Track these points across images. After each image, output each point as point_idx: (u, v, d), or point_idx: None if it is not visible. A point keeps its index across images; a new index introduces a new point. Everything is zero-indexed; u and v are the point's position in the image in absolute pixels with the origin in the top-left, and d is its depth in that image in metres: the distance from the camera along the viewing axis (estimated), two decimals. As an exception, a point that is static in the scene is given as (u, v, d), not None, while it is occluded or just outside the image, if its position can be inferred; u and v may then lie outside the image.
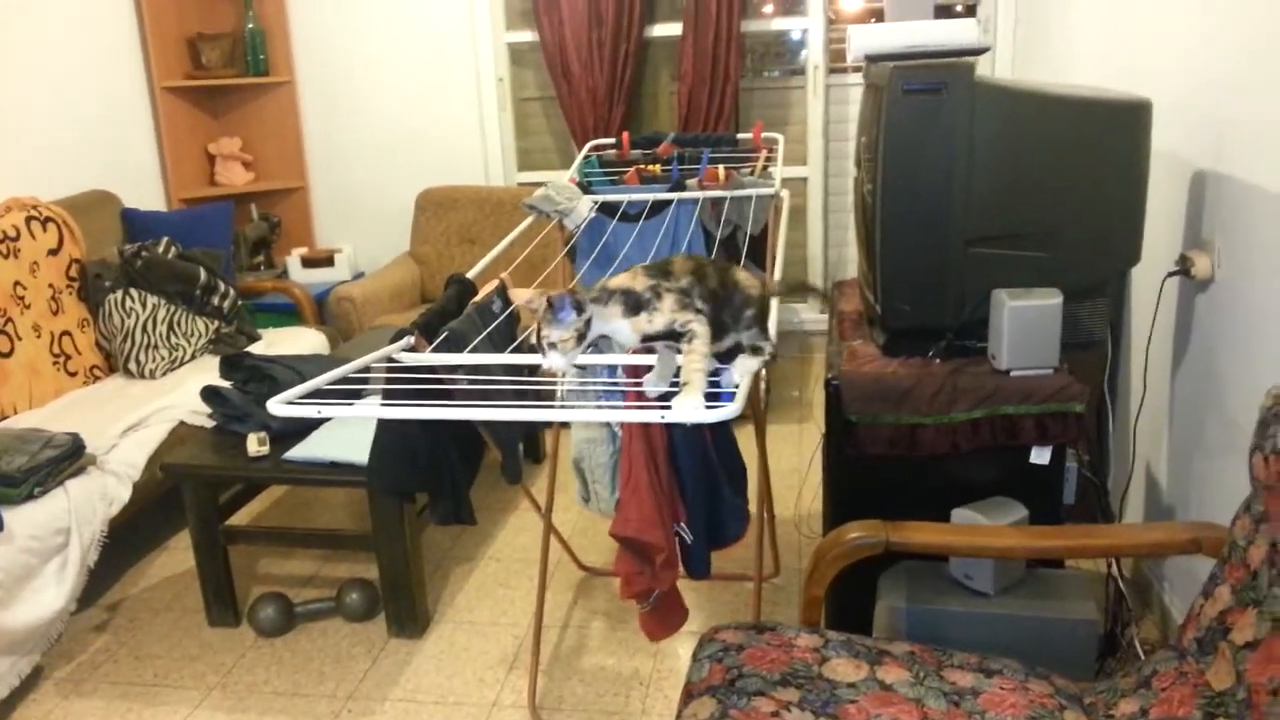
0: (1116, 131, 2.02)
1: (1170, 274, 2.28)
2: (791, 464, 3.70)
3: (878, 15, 4.64)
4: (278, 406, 1.37)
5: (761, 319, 1.46)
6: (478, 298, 2.00)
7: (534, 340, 1.33)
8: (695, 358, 1.34)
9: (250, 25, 4.70)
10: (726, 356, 1.49)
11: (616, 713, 2.38)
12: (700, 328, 1.35)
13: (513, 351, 1.92)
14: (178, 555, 3.26)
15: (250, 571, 3.14)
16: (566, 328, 1.31)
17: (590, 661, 2.59)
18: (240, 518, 2.94)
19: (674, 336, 1.36)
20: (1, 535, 2.42)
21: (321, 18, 4.78)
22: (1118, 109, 2.02)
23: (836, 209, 4.76)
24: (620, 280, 1.36)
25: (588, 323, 1.32)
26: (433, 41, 4.74)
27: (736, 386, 1.42)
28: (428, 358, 1.69)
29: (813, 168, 4.65)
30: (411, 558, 2.68)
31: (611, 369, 1.40)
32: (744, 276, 1.44)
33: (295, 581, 3.07)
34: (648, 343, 1.38)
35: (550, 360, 1.32)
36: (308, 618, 2.84)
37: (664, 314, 1.34)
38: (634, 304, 1.35)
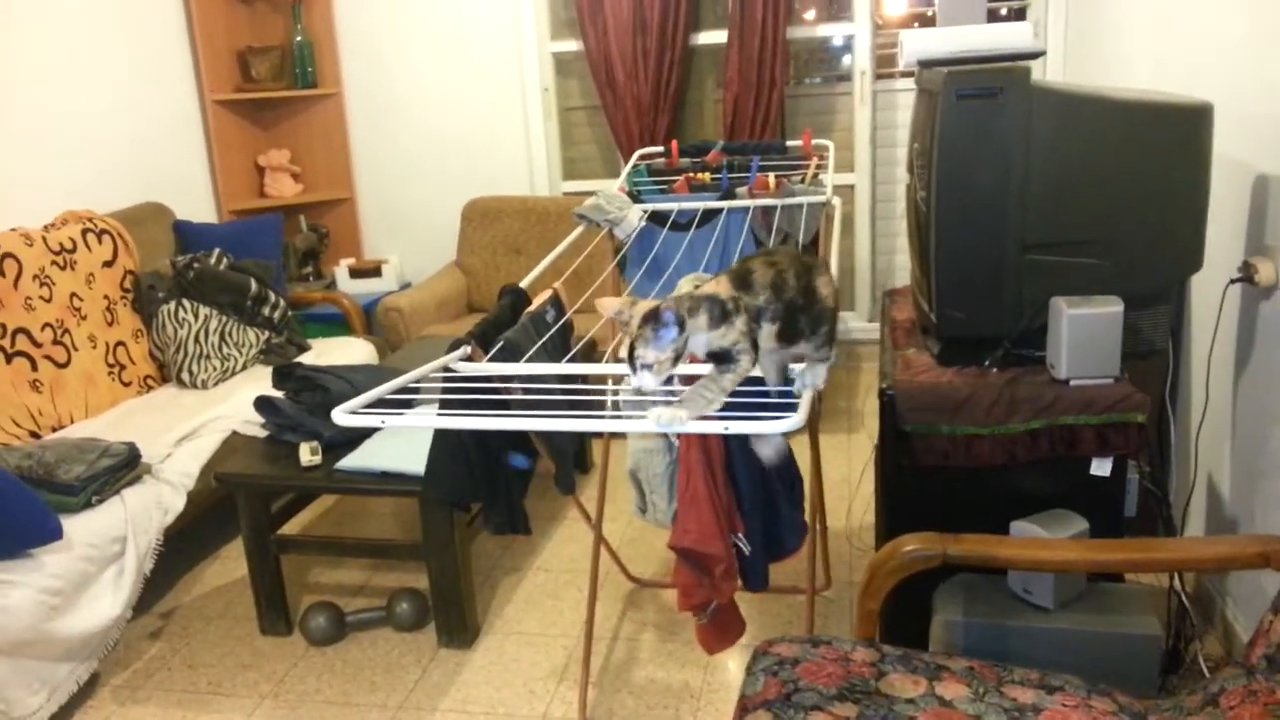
0: (1177, 135, 1.98)
1: (1233, 281, 2.23)
2: (841, 474, 3.67)
3: (921, 19, 4.61)
4: (341, 416, 1.38)
5: (829, 332, 1.43)
6: (531, 308, 2.00)
7: (623, 354, 1.23)
8: (722, 381, 1.28)
9: (299, 38, 4.75)
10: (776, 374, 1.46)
11: (667, 725, 2.37)
12: (746, 361, 1.29)
13: (567, 361, 1.92)
14: (229, 564, 3.29)
15: (301, 580, 3.16)
16: (665, 347, 1.21)
17: (640, 674, 2.57)
18: (290, 527, 2.96)
19: (726, 359, 1.30)
20: (60, 543, 2.46)
21: (369, 30, 4.83)
22: (1179, 112, 1.98)
23: (884, 216, 4.72)
24: (709, 287, 1.30)
25: (687, 340, 1.23)
26: (478, 52, 4.77)
27: (798, 397, 1.40)
28: (484, 367, 1.69)
29: (860, 175, 4.62)
30: (461, 568, 2.68)
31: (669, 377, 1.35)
32: (824, 284, 1.39)
33: (345, 591, 3.09)
34: (709, 359, 1.32)
35: (641, 380, 1.22)
36: (358, 627, 2.86)
37: (734, 333, 1.28)
38: (719, 315, 1.27)
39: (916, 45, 2.20)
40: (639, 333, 1.22)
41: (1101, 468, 2.00)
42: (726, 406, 1.30)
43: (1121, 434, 1.96)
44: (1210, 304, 2.47)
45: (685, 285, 1.63)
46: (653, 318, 1.21)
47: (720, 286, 1.31)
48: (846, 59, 4.67)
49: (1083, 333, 1.94)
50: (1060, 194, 1.98)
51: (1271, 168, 2.14)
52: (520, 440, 2.02)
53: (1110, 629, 1.93)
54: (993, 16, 4.15)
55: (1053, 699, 1.60)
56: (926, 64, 2.19)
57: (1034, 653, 1.93)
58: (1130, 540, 1.90)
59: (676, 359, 1.22)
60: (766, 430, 1.29)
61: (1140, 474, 2.13)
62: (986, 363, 2.10)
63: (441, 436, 2.03)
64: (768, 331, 1.35)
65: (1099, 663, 1.91)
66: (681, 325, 1.22)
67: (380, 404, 1.47)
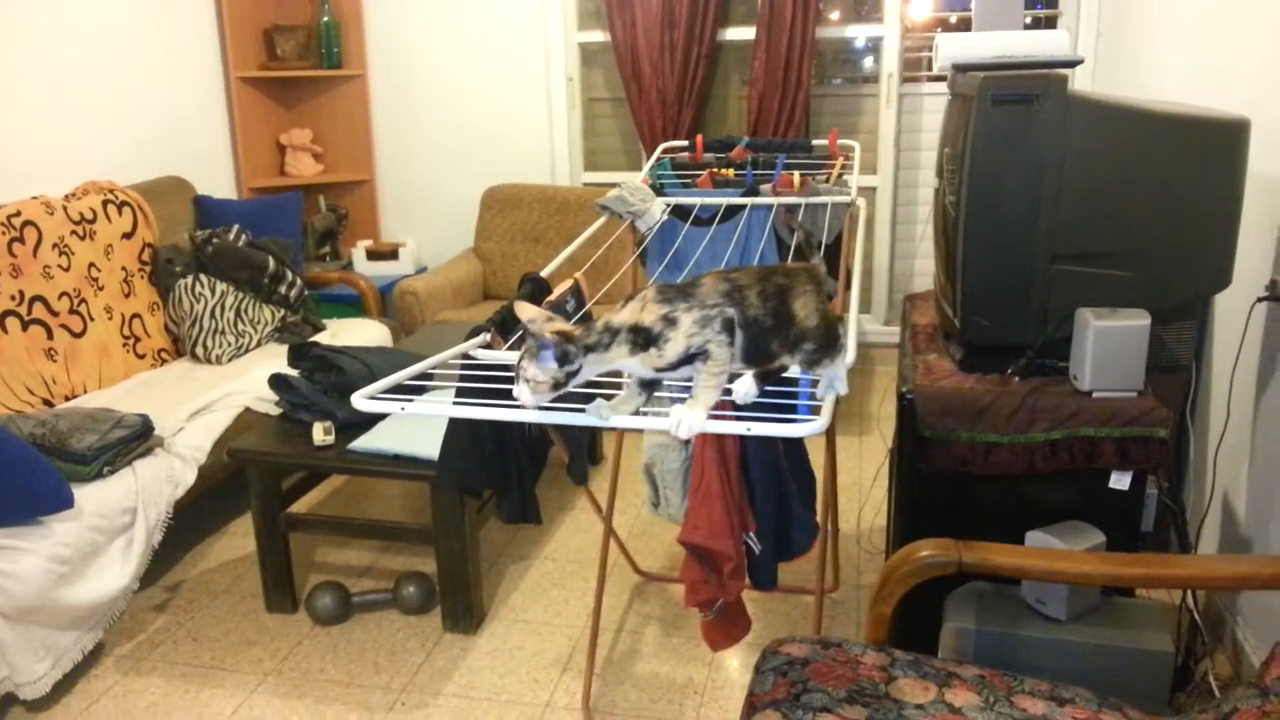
0: (1213, 151, 1.96)
1: (1260, 299, 2.21)
2: (852, 477, 3.65)
3: (945, 24, 4.58)
4: (361, 401, 1.37)
5: (827, 348, 1.36)
6: (552, 297, 1.99)
7: (517, 362, 1.25)
8: (706, 376, 1.26)
9: (325, 18, 4.75)
10: (769, 375, 1.43)
11: (670, 720, 2.36)
12: (717, 349, 1.26)
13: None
14: (237, 540, 3.29)
15: (308, 559, 3.16)
16: (544, 371, 1.22)
17: (644, 667, 2.57)
18: (300, 506, 2.96)
19: (691, 361, 1.26)
20: (71, 512, 2.46)
21: (396, 13, 4.82)
22: (1216, 127, 1.96)
23: (905, 220, 4.70)
24: (626, 315, 1.26)
25: (569, 375, 1.23)
26: (504, 40, 4.76)
27: (820, 400, 1.39)
28: (503, 356, 1.68)
29: (883, 177, 4.60)
30: (469, 553, 2.68)
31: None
32: (802, 306, 1.32)
33: (352, 571, 3.09)
34: (665, 371, 1.28)
35: (519, 390, 1.24)
36: (364, 608, 2.86)
37: (678, 343, 1.24)
38: (644, 341, 1.24)
39: (952, 48, 2.18)
40: (527, 347, 1.24)
41: (1121, 481, 1.98)
42: (748, 406, 1.28)
43: (1142, 448, 1.95)
44: (1235, 321, 2.45)
45: (709, 281, 1.61)
46: (537, 341, 1.22)
47: (644, 311, 1.26)
48: (869, 61, 4.65)
49: (1108, 345, 1.92)
50: (1091, 204, 1.97)
51: (1304, 186, 2.12)
52: (535, 430, 2.01)
53: (1122, 643, 1.92)
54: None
55: (1063, 711, 1.59)
56: (961, 68, 2.18)
57: (1044, 664, 1.92)
58: (1148, 555, 1.88)
59: (558, 386, 1.23)
60: (789, 433, 1.28)
61: (1159, 489, 2.12)
62: (1009, 371, 2.09)
63: (457, 423, 2.02)
64: (732, 339, 1.29)
65: (1110, 676, 1.89)
66: (565, 360, 1.22)
67: (398, 389, 1.47)
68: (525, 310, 1.27)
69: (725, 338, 1.27)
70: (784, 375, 1.40)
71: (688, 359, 1.26)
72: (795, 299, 1.33)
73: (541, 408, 1.28)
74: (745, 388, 1.38)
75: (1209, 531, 2.60)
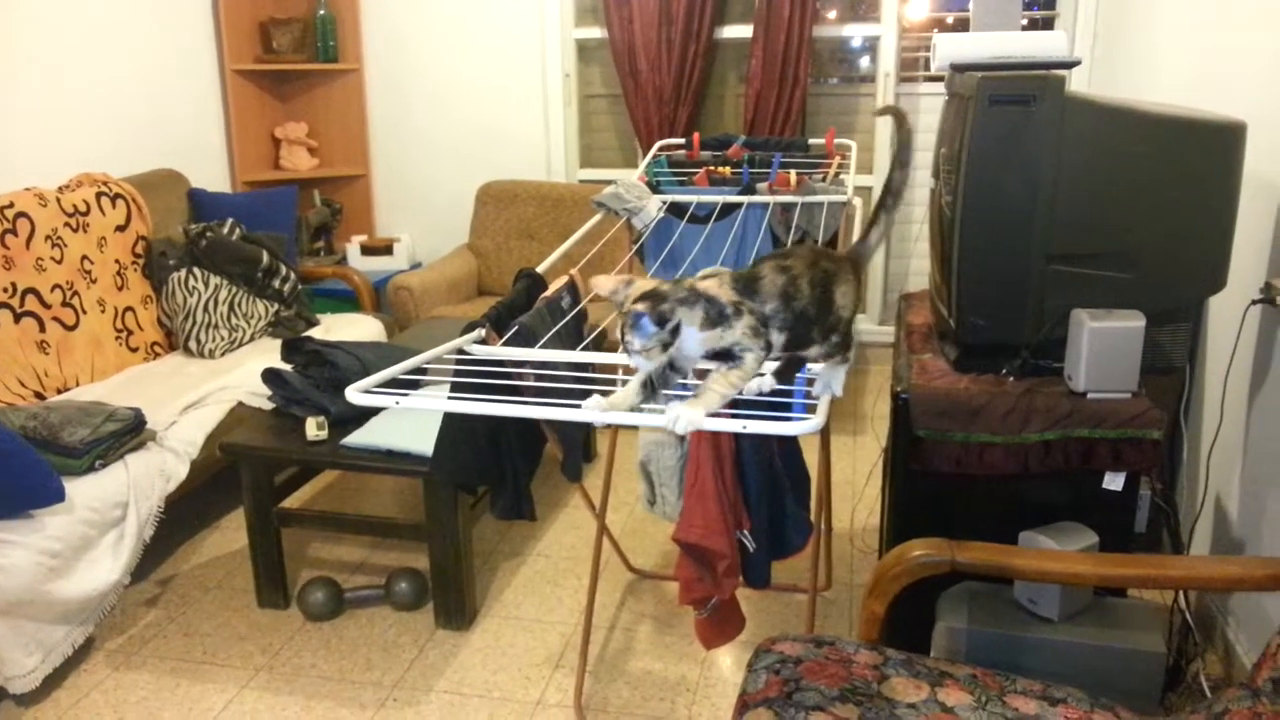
0: (1210, 153, 1.96)
1: (1254, 301, 2.21)
2: (846, 475, 3.66)
3: (941, 23, 4.59)
4: (355, 395, 1.37)
5: (844, 340, 1.39)
6: (547, 293, 1.98)
7: (619, 335, 1.26)
8: (729, 377, 1.27)
9: (322, 12, 4.74)
10: (787, 369, 1.44)
11: (662, 718, 2.36)
12: (752, 360, 1.27)
13: (581, 349, 1.90)
14: (229, 535, 3.29)
15: (300, 555, 3.15)
16: (647, 338, 1.23)
17: (637, 665, 2.57)
18: (292, 501, 2.95)
19: (728, 357, 1.28)
20: (62, 506, 2.45)
21: (392, 7, 4.81)
22: (1213, 130, 1.96)
23: (900, 220, 4.70)
24: (709, 285, 1.28)
25: (674, 331, 1.24)
26: (501, 35, 4.75)
27: (815, 398, 1.39)
28: (499, 351, 1.68)
29: (878, 177, 4.60)
30: (462, 550, 2.67)
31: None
32: (842, 294, 1.35)
33: (344, 567, 3.08)
34: (710, 357, 1.30)
35: (634, 361, 1.25)
36: (356, 604, 2.85)
37: (736, 333, 1.27)
38: (715, 316, 1.26)
39: (950, 48, 2.17)
40: (624, 321, 1.24)
41: (1115, 482, 1.98)
42: (744, 404, 1.28)
43: (1136, 449, 1.95)
44: (1229, 323, 2.45)
45: (768, 274, 1.60)
46: (634, 313, 1.23)
47: (720, 288, 1.28)
48: (865, 61, 4.66)
49: (1103, 346, 1.92)
50: (1087, 205, 1.97)
51: (1300, 189, 2.12)
52: (529, 426, 2.01)
53: (1114, 643, 1.92)
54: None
55: (1055, 711, 1.59)
56: (959, 68, 2.17)
57: (1036, 664, 1.92)
58: (1142, 556, 1.89)
59: (665, 348, 1.24)
60: (785, 431, 1.28)
61: (1153, 490, 2.12)
62: (1004, 371, 2.09)
63: (451, 418, 2.01)
64: (776, 340, 1.31)
65: (1101, 676, 1.90)
66: (662, 321, 1.22)
67: (392, 384, 1.46)
68: (603, 284, 1.27)
69: (764, 355, 1.28)
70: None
71: (728, 356, 1.27)
72: (837, 286, 1.35)
73: (536, 403, 1.28)
74: (759, 384, 1.39)
75: (1201, 532, 2.60)
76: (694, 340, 1.26)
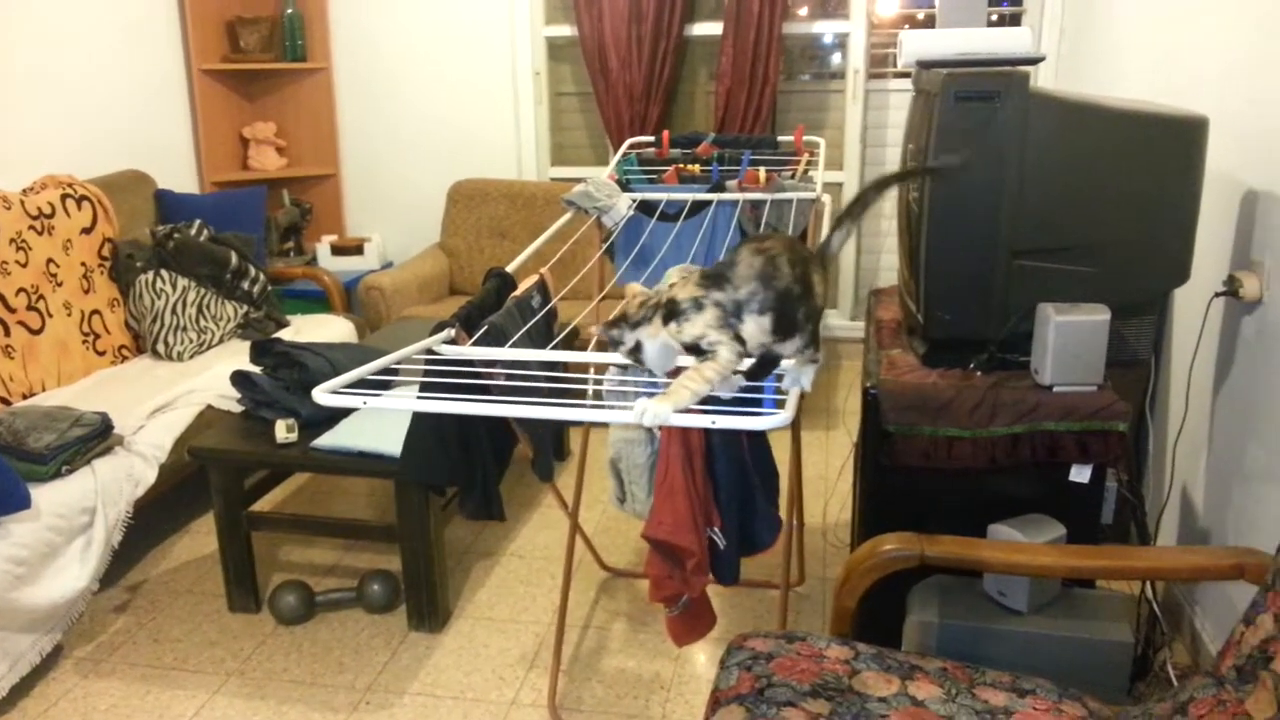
0: (1173, 148, 1.98)
1: (1218, 294, 2.24)
2: (818, 471, 3.67)
3: (912, 21, 4.61)
4: (323, 395, 1.36)
5: (815, 331, 1.40)
6: (517, 292, 1.98)
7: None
8: (703, 371, 1.28)
9: (289, 10, 4.70)
10: (760, 369, 1.44)
11: (636, 716, 2.36)
12: (726, 352, 1.29)
13: (552, 348, 1.90)
14: (199, 539, 3.26)
15: (271, 558, 3.13)
16: (623, 356, 1.33)
17: (610, 663, 2.57)
18: (263, 504, 2.93)
19: (698, 352, 1.30)
20: (28, 512, 2.42)
21: (360, 5, 4.78)
22: (1175, 125, 1.98)
23: (870, 215, 4.72)
24: (674, 288, 1.33)
25: (630, 353, 1.33)
26: (470, 33, 4.73)
27: (784, 393, 1.39)
28: (468, 351, 1.67)
29: (849, 173, 4.62)
30: (435, 551, 2.66)
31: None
32: (818, 283, 1.37)
33: (316, 570, 3.07)
34: (688, 352, 1.34)
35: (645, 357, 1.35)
36: (328, 607, 2.83)
37: (696, 327, 1.29)
38: (669, 315, 1.31)
39: (916, 45, 2.19)
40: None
41: (1081, 474, 2.00)
42: (713, 400, 1.29)
43: (1102, 442, 1.97)
44: (1193, 316, 2.48)
45: (673, 276, 1.61)
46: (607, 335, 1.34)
47: (684, 288, 1.32)
48: (836, 58, 4.67)
49: (1069, 340, 1.94)
50: (1053, 200, 1.98)
51: (1260, 183, 2.15)
52: (500, 425, 2.00)
53: (1082, 634, 1.94)
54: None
55: (1024, 702, 1.60)
56: (925, 65, 2.19)
57: (1006, 655, 1.94)
58: (1108, 547, 1.91)
59: (636, 362, 1.34)
60: (753, 426, 1.28)
61: (1119, 482, 2.14)
62: (971, 365, 2.10)
63: (420, 418, 2.01)
64: (757, 325, 1.32)
65: (1070, 667, 1.91)
66: (616, 345, 1.33)
67: (362, 384, 1.45)
68: (635, 290, 1.38)
69: (739, 346, 1.30)
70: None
71: (697, 350, 1.30)
72: (814, 273, 1.37)
73: (505, 401, 1.29)
74: (732, 383, 1.40)
75: (1168, 523, 2.63)
76: (654, 347, 1.32)
